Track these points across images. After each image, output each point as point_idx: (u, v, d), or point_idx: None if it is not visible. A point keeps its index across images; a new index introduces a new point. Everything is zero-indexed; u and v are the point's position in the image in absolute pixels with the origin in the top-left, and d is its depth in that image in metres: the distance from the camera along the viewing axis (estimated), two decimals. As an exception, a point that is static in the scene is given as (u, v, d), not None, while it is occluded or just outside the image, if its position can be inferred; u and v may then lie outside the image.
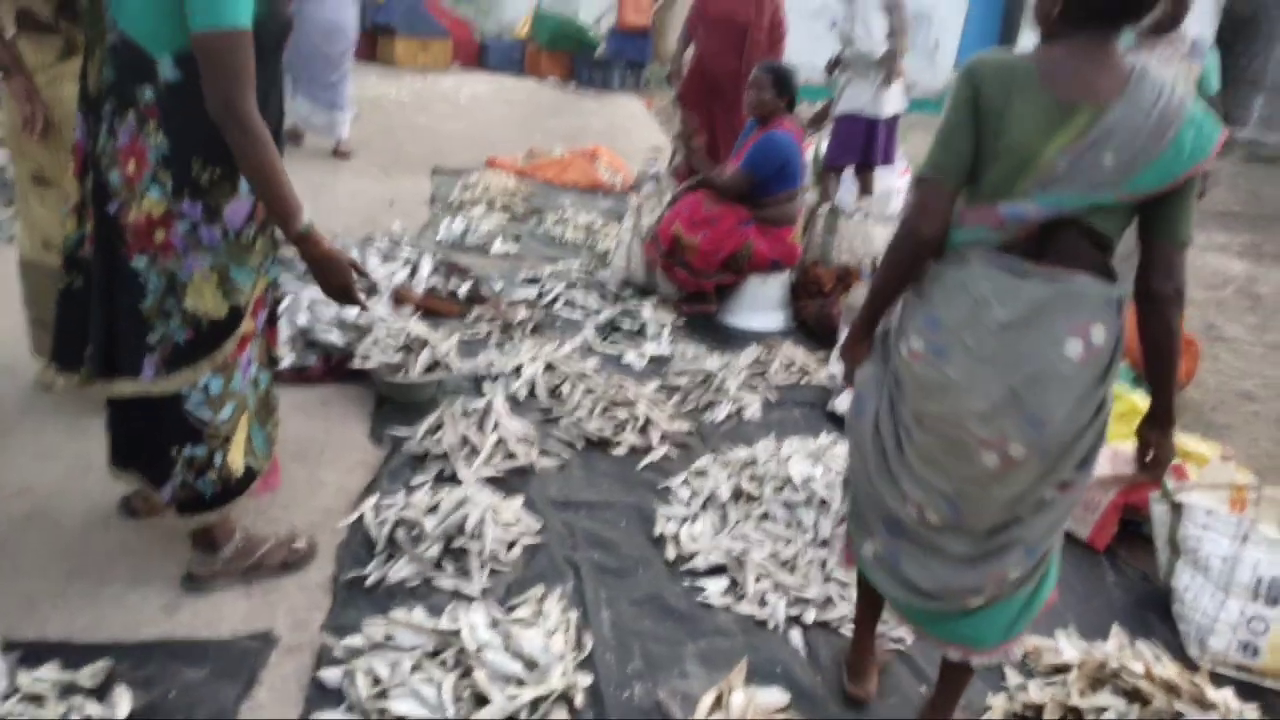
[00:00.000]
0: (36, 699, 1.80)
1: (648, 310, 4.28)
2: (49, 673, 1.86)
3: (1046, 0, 1.65)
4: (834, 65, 5.31)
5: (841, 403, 3.51)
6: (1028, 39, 13.89)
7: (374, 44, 10.99)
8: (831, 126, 5.46)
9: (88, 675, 1.88)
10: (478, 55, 11.90)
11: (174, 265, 1.92)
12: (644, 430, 3.20)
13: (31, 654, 1.92)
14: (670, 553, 2.59)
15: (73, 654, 1.94)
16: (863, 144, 5.37)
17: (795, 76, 4.31)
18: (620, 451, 3.11)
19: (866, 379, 1.87)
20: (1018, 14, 14.97)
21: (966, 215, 1.67)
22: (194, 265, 1.93)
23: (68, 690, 1.84)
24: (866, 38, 5.04)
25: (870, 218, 4.82)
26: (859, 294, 4.12)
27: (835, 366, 1.95)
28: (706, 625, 2.35)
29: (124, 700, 1.84)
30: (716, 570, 2.54)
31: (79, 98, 1.98)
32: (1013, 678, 2.27)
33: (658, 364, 3.84)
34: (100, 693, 1.86)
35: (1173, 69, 3.42)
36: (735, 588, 2.48)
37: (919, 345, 1.70)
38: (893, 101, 5.36)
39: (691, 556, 2.57)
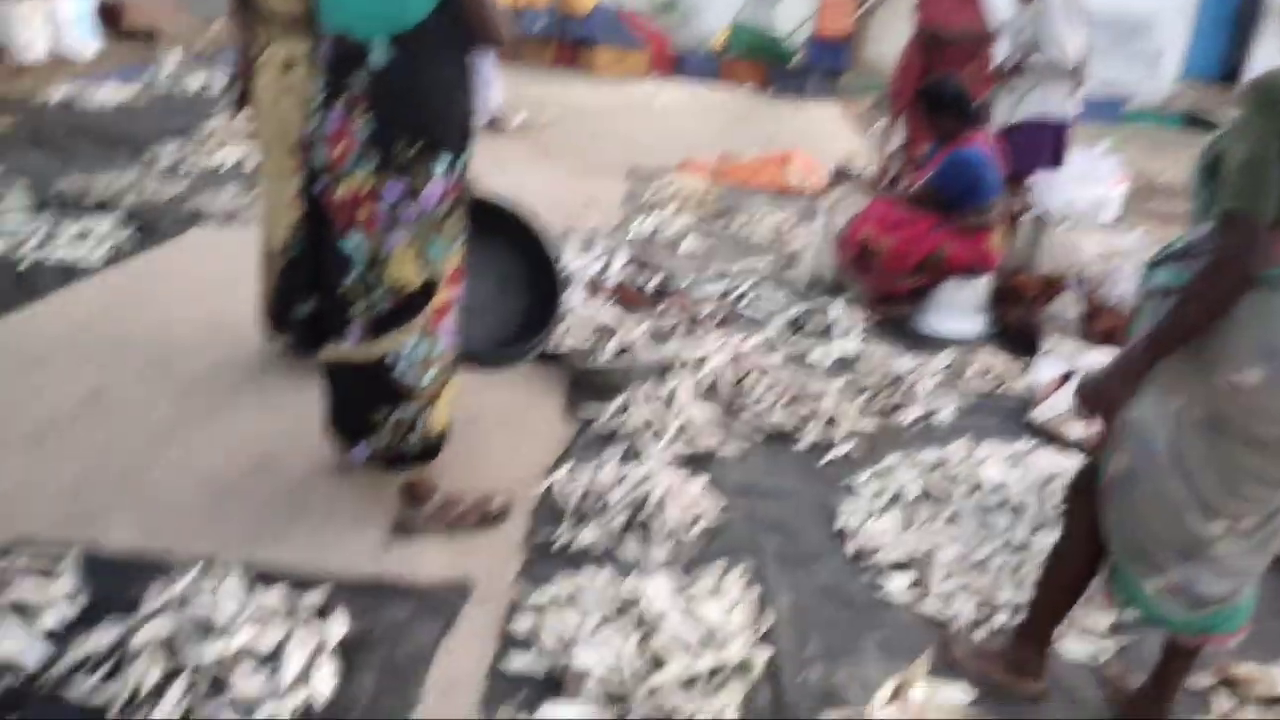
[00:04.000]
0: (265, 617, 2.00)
1: (836, 308, 4.21)
2: (277, 594, 2.06)
3: None
4: (1010, 70, 5.11)
5: (1042, 413, 3.35)
6: (1268, 49, 12.69)
7: (575, 53, 11.42)
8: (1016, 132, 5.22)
9: (310, 599, 2.07)
10: (674, 65, 12.11)
11: (376, 242, 2.11)
12: (829, 425, 3.18)
13: (262, 579, 2.12)
14: (851, 547, 2.56)
15: (298, 581, 2.14)
16: (1053, 147, 5.14)
17: (964, 90, 4.18)
18: (803, 446, 3.09)
19: (1147, 416, 1.78)
20: (1252, 21, 13.61)
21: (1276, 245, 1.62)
22: (394, 242, 2.11)
23: (291, 612, 2.03)
24: (1057, 48, 4.86)
25: (1078, 227, 4.58)
26: (1065, 305, 3.93)
27: (1075, 400, 1.91)
28: (887, 620, 2.31)
29: (340, 624, 2.01)
30: (899, 567, 2.49)
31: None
32: (1219, 704, 2.12)
33: (844, 364, 3.78)
34: (320, 615, 2.05)
35: None
36: (919, 586, 2.42)
37: (1257, 376, 1.66)
38: (1077, 105, 5.16)
39: (874, 552, 2.53)
